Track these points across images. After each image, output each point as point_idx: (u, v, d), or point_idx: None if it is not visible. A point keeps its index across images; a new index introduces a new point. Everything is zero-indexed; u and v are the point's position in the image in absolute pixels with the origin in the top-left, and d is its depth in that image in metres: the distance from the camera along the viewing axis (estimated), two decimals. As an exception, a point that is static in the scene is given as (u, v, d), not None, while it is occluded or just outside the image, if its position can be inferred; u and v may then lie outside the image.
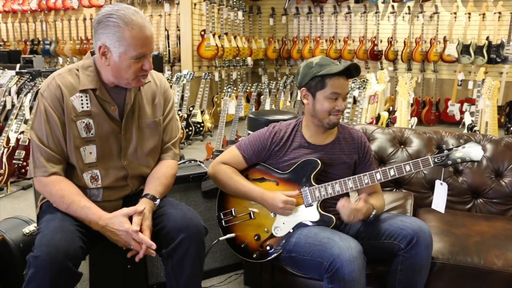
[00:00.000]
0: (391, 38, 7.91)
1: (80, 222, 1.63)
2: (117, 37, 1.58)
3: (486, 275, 1.86)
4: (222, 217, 2.09)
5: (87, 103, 1.69)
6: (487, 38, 7.27)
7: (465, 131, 5.19)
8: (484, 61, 7.27)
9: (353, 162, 2.02)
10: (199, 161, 2.65)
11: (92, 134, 1.71)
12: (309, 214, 1.92)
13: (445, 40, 7.56)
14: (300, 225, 1.93)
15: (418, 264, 1.80)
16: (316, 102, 1.90)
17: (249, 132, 5.03)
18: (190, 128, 6.16)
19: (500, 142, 2.50)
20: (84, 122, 1.69)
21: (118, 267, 2.06)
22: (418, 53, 7.74)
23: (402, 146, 2.62)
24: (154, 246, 1.60)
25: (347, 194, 1.96)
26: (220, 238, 2.06)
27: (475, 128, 5.17)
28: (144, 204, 1.68)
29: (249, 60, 8.38)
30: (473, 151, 1.76)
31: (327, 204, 1.96)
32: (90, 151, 1.71)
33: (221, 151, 4.59)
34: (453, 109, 7.69)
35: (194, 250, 1.65)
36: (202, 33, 7.07)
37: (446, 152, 1.79)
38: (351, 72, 1.88)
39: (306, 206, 1.94)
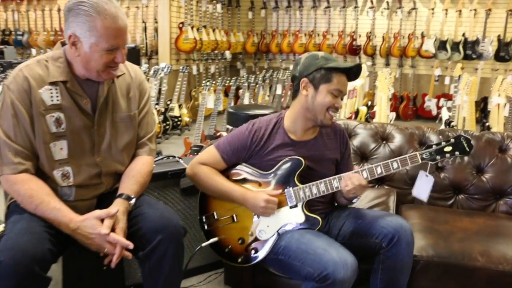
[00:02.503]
0: (370, 33, 7.93)
1: (50, 223, 1.53)
2: (88, 26, 1.49)
3: (470, 272, 1.85)
4: (204, 220, 2.01)
5: (57, 96, 1.59)
6: (463, 35, 7.35)
7: (443, 126, 5.22)
8: (460, 57, 7.35)
9: (336, 159, 1.97)
10: (178, 157, 2.56)
11: (62, 129, 1.61)
12: (294, 215, 1.86)
13: (422, 36, 7.61)
14: (285, 228, 1.86)
15: (400, 263, 1.77)
16: (318, 94, 1.82)
17: (228, 127, 4.96)
18: (168, 123, 6.05)
19: (481, 138, 2.50)
20: (54, 116, 1.59)
21: (93, 268, 1.97)
22: (396, 48, 7.78)
23: (384, 142, 2.59)
24: (131, 245, 1.52)
25: (333, 194, 1.91)
26: (203, 244, 1.98)
27: (453, 123, 5.21)
28: (117, 206, 1.59)
29: (228, 54, 8.28)
30: (462, 145, 1.73)
31: (312, 204, 1.90)
32: (61, 146, 1.61)
33: (199, 146, 4.50)
34: (430, 104, 7.76)
35: (172, 252, 1.57)
36: (180, 25, 6.94)
37: (434, 147, 1.76)
38: (353, 73, 1.84)
39: (290, 208, 1.87)
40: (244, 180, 1.94)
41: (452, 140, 1.75)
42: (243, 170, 1.95)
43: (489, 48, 7.19)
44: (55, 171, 1.62)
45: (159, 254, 1.56)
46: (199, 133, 4.64)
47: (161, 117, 5.92)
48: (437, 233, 2.02)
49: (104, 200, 1.67)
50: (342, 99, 1.86)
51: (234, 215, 1.94)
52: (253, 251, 1.89)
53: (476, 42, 7.27)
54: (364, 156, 2.57)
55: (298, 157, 1.87)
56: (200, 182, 1.97)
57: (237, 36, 8.55)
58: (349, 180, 1.78)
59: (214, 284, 2.42)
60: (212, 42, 7.62)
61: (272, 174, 1.90)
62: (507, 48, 7.13)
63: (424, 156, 1.76)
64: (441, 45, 7.47)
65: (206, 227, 2.00)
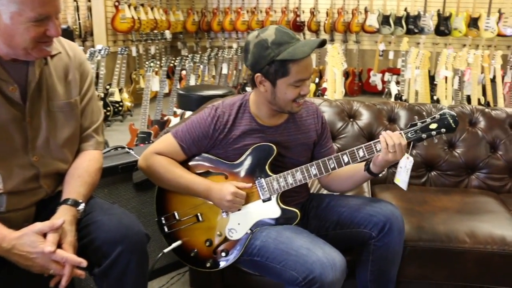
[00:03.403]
0: (314, 8, 7.80)
1: None
2: None
3: (459, 255, 1.74)
4: (164, 222, 1.74)
5: (-27, 83, 1.26)
6: (405, 9, 7.40)
7: (392, 100, 5.22)
8: (403, 31, 7.41)
9: (312, 142, 1.77)
10: (128, 148, 2.27)
11: (-16, 124, 1.29)
12: (268, 210, 1.64)
13: (366, 11, 7.58)
14: (259, 225, 1.65)
15: (391, 252, 1.62)
16: (277, 90, 1.57)
17: (176, 110, 4.66)
18: (108, 109, 5.70)
19: (451, 111, 2.39)
20: (-28, 108, 1.26)
21: None
22: (341, 23, 7.71)
23: (351, 120, 2.43)
24: (84, 262, 1.24)
25: (305, 185, 1.72)
26: (165, 250, 1.72)
27: (403, 98, 5.21)
28: (62, 215, 1.30)
29: (168, 34, 7.86)
30: (448, 121, 1.58)
31: (287, 194, 1.68)
32: (-17, 146, 1.29)
33: (147, 133, 4.18)
34: (375, 79, 7.81)
35: (135, 265, 1.31)
36: (116, 3, 6.47)
37: (419, 124, 1.59)
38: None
39: (263, 201, 1.65)
40: (208, 173, 1.70)
41: (437, 116, 1.59)
42: (206, 162, 1.71)
43: (430, 22, 7.28)
44: (-22, 177, 1.30)
45: (119, 269, 1.30)
46: (145, 119, 4.30)
47: (101, 102, 5.57)
48: (419, 215, 1.90)
49: (45, 208, 1.38)
50: (309, 80, 1.60)
51: (198, 214, 1.70)
52: (223, 254, 1.66)
53: (417, 17, 7.35)
54: (332, 136, 2.39)
55: (268, 144, 1.65)
56: (156, 175, 1.70)
57: (176, 15, 8.15)
58: (390, 139, 1.54)
59: (178, 287, 2.19)
60: (151, 21, 7.22)
61: (240, 164, 1.67)
62: (447, 23, 7.25)
63: (409, 135, 1.59)
64: (384, 20, 7.49)
65: (166, 229, 1.74)
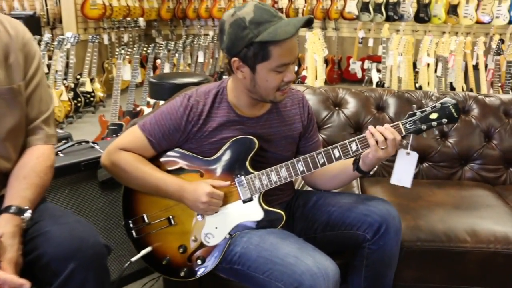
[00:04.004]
0: (292, -5, 7.61)
1: None
2: None
3: (460, 255, 1.59)
4: (132, 226, 1.53)
5: None
6: (385, -5, 7.28)
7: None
8: (382, 18, 7.30)
9: (297, 135, 1.58)
10: (92, 142, 2.04)
11: None
12: (250, 212, 1.45)
13: (345, -3, 7.43)
14: (239, 228, 1.46)
15: (388, 256, 1.46)
16: (257, 77, 1.37)
17: (150, 100, 4.42)
18: (79, 99, 5.43)
19: (440, 98, 2.23)
20: None
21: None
22: (319, 10, 7.54)
23: (337, 108, 2.26)
24: (27, 284, 1.03)
25: (290, 182, 1.54)
26: (133, 259, 1.51)
27: (385, 85, 5.08)
28: (2, 227, 1.09)
29: (141, 21, 7.57)
30: (449, 111, 1.40)
31: (269, 193, 1.49)
32: None
33: (118, 125, 3.94)
34: (355, 67, 7.70)
35: (93, 283, 1.10)
36: (86, -12, 6.16)
37: (418, 114, 1.41)
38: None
39: (244, 202, 1.46)
40: (181, 170, 1.50)
41: (438, 105, 1.41)
42: (179, 158, 1.50)
43: (409, 9, 7.18)
44: None
45: (73, 289, 1.09)
46: (116, 109, 4.06)
47: (71, 93, 5.32)
48: (414, 212, 1.74)
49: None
50: (294, 65, 1.40)
51: (170, 217, 1.50)
52: (199, 261, 1.47)
53: (397, 4, 7.24)
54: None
55: (249, 137, 1.45)
56: (121, 174, 1.49)
57: (150, 2, 7.85)
58: (379, 135, 1.37)
59: (150, 294, 2.00)
60: (123, 8, 6.92)
61: (217, 160, 1.47)
62: (426, 9, 7.16)
63: (407, 126, 1.41)
64: (364, 6, 7.36)
65: (134, 234, 1.53)
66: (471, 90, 4.91)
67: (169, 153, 1.51)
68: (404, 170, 1.47)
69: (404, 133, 1.40)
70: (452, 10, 7.04)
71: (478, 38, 5.01)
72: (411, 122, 1.41)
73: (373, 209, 1.44)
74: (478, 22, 6.92)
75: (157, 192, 1.46)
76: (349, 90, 2.30)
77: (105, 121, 4.05)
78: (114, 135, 3.73)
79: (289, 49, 1.34)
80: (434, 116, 1.41)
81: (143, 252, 1.50)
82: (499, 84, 4.49)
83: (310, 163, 1.42)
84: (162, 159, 1.52)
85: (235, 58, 1.37)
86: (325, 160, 1.42)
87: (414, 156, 1.47)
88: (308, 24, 1.33)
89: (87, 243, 1.12)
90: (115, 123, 3.94)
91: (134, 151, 1.49)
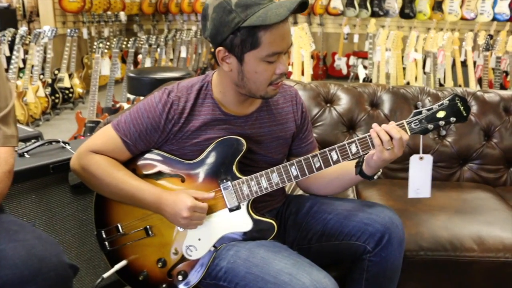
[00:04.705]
0: (277, -11, 7.46)
1: None
2: None
3: (466, 265, 1.46)
4: (104, 236, 1.37)
5: None
6: (371, -9, 7.21)
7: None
8: (368, 14, 7.24)
9: (290, 136, 1.43)
10: (63, 142, 1.86)
11: None
12: (237, 221, 1.30)
13: (330, -8, 7.34)
14: (225, 240, 1.30)
15: (390, 268, 1.32)
16: (245, 68, 1.22)
17: (130, 96, 4.24)
18: (57, 95, 5.28)
19: (437, 95, 2.11)
20: None
21: None
22: (304, 5, 7.42)
23: (328, 105, 2.12)
24: None
25: (281, 188, 1.37)
26: (105, 275, 1.35)
27: (373, 81, 4.98)
28: None
29: (122, 15, 7.37)
30: (457, 108, 1.27)
31: (259, 199, 1.34)
32: None
33: (96, 122, 3.75)
34: (340, 63, 7.63)
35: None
36: (64, -20, 5.96)
37: (425, 112, 1.27)
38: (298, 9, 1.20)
39: (230, 211, 1.30)
40: (159, 175, 1.33)
41: (445, 102, 1.27)
42: (157, 160, 1.34)
43: (395, 5, 7.13)
44: None
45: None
46: (93, 106, 3.87)
47: (48, 89, 5.16)
48: (415, 217, 1.61)
49: None
50: (286, 55, 1.24)
51: (148, 227, 1.34)
52: (180, 277, 1.31)
53: (382, -1, 7.17)
54: (307, 124, 2.08)
55: (236, 137, 1.30)
56: (92, 180, 1.33)
57: (132, -5, 7.64)
58: (384, 134, 1.22)
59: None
60: (104, 2, 6.74)
61: (200, 164, 1.31)
62: (411, 5, 7.11)
63: (413, 125, 1.27)
64: (349, 2, 7.29)
65: (108, 246, 1.37)
66: (460, 87, 4.85)
67: (146, 155, 1.35)
68: (421, 178, 1.32)
69: (409, 133, 1.26)
70: (437, 6, 7.01)
71: (465, 34, 4.97)
72: (416, 121, 1.27)
73: (374, 217, 1.30)
74: (462, 18, 6.92)
75: (132, 202, 1.30)
76: (341, 86, 2.16)
77: (82, 118, 3.87)
78: (89, 134, 3.55)
79: (281, 35, 1.18)
80: (441, 114, 1.27)
81: (117, 266, 1.34)
82: (488, 79, 4.44)
83: (305, 167, 1.27)
84: (138, 162, 1.35)
85: (220, 48, 1.22)
86: (322, 164, 1.27)
87: (429, 159, 1.32)
88: (302, 7, 1.18)
89: (48, 263, 0.95)
90: (92, 120, 3.75)
91: (107, 153, 1.32)
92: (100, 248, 1.40)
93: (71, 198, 1.76)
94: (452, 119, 1.27)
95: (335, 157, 1.27)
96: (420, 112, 1.28)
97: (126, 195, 1.29)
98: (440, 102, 1.28)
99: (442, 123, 1.27)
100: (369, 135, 1.25)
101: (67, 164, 1.70)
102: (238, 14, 1.15)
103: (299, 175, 1.28)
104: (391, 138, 1.22)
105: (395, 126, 1.25)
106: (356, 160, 1.33)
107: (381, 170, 1.33)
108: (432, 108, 1.27)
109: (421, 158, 1.32)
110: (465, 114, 1.28)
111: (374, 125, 1.25)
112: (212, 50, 1.28)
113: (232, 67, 1.23)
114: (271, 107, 1.40)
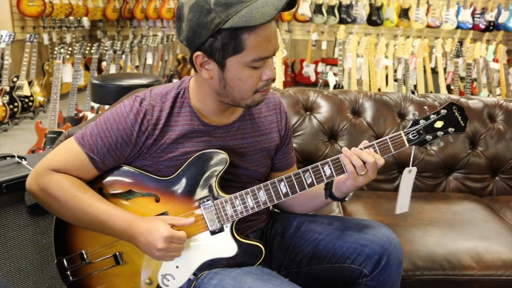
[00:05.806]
0: (243, -5, 7.38)
1: None
2: None
3: (465, 285, 1.37)
4: (66, 265, 1.20)
5: None
6: (338, -2, 7.24)
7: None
8: (336, 20, 7.26)
9: (274, 147, 1.30)
10: (19, 157, 1.67)
11: None
12: (220, 246, 1.15)
13: (298, -1, 7.30)
14: (206, 267, 1.16)
15: (388, 292, 1.20)
16: (227, 75, 1.09)
17: (94, 105, 4.02)
18: (16, 104, 5.03)
19: (424, 103, 2.03)
20: None
21: None
22: (272, 12, 7.36)
23: (308, 113, 2.01)
24: None
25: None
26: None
27: (344, 88, 4.94)
28: None
29: (85, 21, 7.10)
30: (455, 118, 1.17)
31: (243, 219, 1.19)
32: None
33: (57, 132, 3.52)
34: (308, 70, 7.62)
35: None
36: (22, -17, 5.70)
37: (422, 122, 1.16)
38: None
39: (212, 234, 1.16)
40: (130, 194, 1.18)
41: (443, 112, 1.17)
42: (128, 177, 1.19)
43: (362, 12, 7.17)
44: None
45: None
46: (55, 115, 3.64)
47: (6, 97, 4.93)
48: (407, 233, 1.51)
49: None
50: (272, 59, 1.13)
51: (118, 253, 1.18)
52: None
53: (350, 6, 7.23)
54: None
55: (217, 150, 1.16)
56: (52, 203, 1.15)
57: (95, 1, 7.40)
58: (356, 159, 1.12)
59: None
60: (66, 6, 6.48)
61: (177, 181, 1.17)
62: (378, 13, 7.18)
63: (411, 136, 1.16)
64: (317, 8, 7.30)
65: (70, 276, 1.19)
66: (430, 93, 4.86)
67: (115, 171, 1.19)
68: (406, 192, 1.22)
69: (407, 145, 1.15)
70: (404, 13, 7.11)
71: (435, 41, 5.00)
72: (414, 132, 1.16)
73: (371, 237, 1.19)
74: (428, 26, 7.04)
75: (99, 229, 1.14)
76: (321, 93, 2.05)
77: (42, 129, 3.62)
78: (49, 147, 3.32)
79: (267, 37, 1.06)
80: (439, 124, 1.17)
81: (81, 300, 1.17)
82: (458, 86, 4.46)
83: (295, 183, 1.14)
84: (105, 180, 1.19)
85: (199, 52, 1.08)
86: (314, 179, 1.15)
87: (414, 172, 1.23)
88: (290, 5, 1.06)
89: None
90: (53, 131, 3.52)
91: (70, 172, 1.15)
92: (61, 279, 1.23)
93: (28, 220, 1.58)
94: (451, 129, 1.17)
95: (328, 172, 1.14)
96: (418, 122, 1.17)
97: (92, 221, 1.12)
98: (437, 111, 1.18)
99: (440, 133, 1.17)
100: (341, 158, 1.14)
101: (23, 182, 1.51)
102: (218, 14, 1.02)
103: (289, 192, 1.15)
104: (364, 162, 1.11)
105: (367, 149, 1.14)
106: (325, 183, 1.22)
107: (353, 192, 1.22)
108: (429, 118, 1.17)
109: (409, 171, 1.22)
110: (463, 124, 1.18)
111: (344, 149, 1.14)
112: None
113: (213, 74, 1.10)
114: (254, 116, 1.27)
